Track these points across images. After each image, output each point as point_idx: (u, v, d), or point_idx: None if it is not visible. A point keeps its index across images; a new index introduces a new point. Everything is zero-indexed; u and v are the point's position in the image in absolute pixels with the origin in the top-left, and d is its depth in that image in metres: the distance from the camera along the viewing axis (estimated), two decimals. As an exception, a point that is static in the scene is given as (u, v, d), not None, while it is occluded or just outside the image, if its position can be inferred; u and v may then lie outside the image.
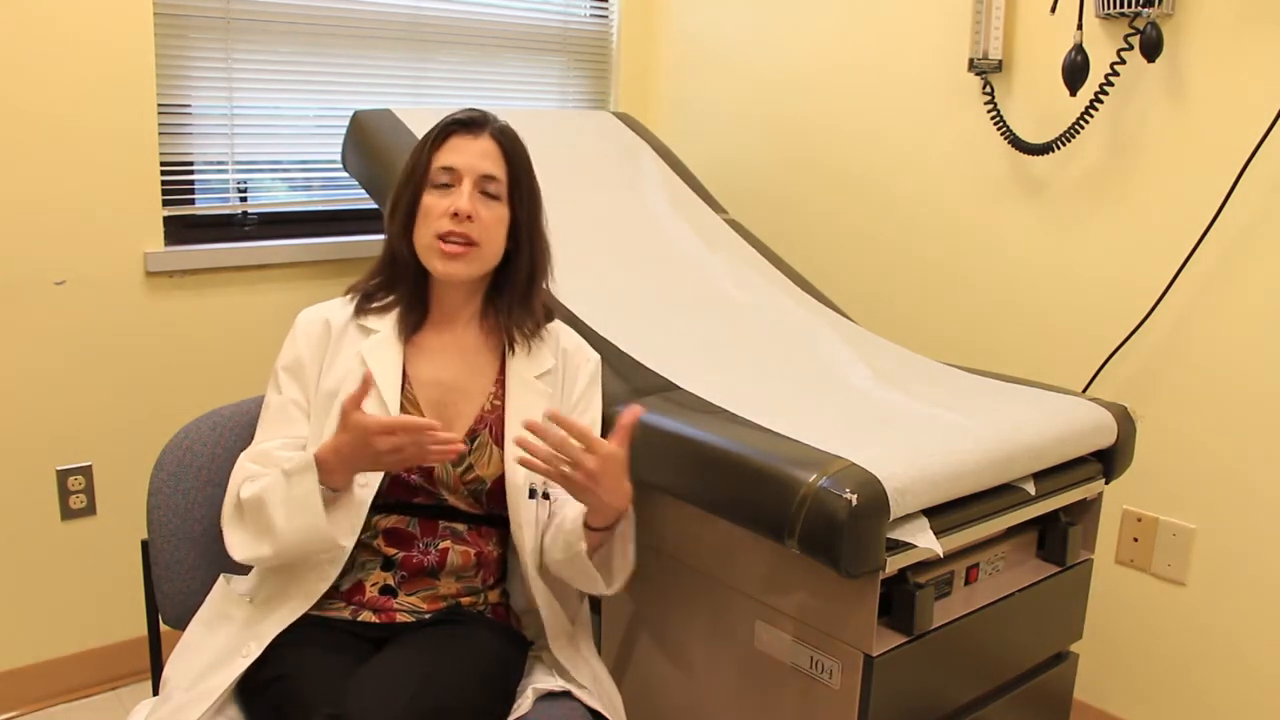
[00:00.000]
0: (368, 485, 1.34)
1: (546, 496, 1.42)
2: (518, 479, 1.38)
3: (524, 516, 1.38)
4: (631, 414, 1.26)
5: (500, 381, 1.44)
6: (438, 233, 1.36)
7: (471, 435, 1.39)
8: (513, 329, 1.44)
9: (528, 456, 1.23)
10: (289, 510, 1.25)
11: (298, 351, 1.41)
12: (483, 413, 1.41)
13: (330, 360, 1.41)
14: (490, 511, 1.41)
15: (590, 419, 1.50)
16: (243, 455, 1.38)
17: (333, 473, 1.25)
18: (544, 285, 1.48)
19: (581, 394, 1.49)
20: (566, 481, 1.25)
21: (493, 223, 1.39)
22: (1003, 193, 2.17)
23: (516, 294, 1.44)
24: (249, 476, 1.33)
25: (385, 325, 1.42)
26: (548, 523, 1.42)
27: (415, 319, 1.43)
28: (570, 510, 1.36)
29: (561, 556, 1.36)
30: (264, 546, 1.28)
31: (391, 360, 1.39)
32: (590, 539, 1.31)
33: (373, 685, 1.18)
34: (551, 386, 1.45)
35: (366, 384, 1.21)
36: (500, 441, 1.40)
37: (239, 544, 1.31)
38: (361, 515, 1.33)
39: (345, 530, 1.30)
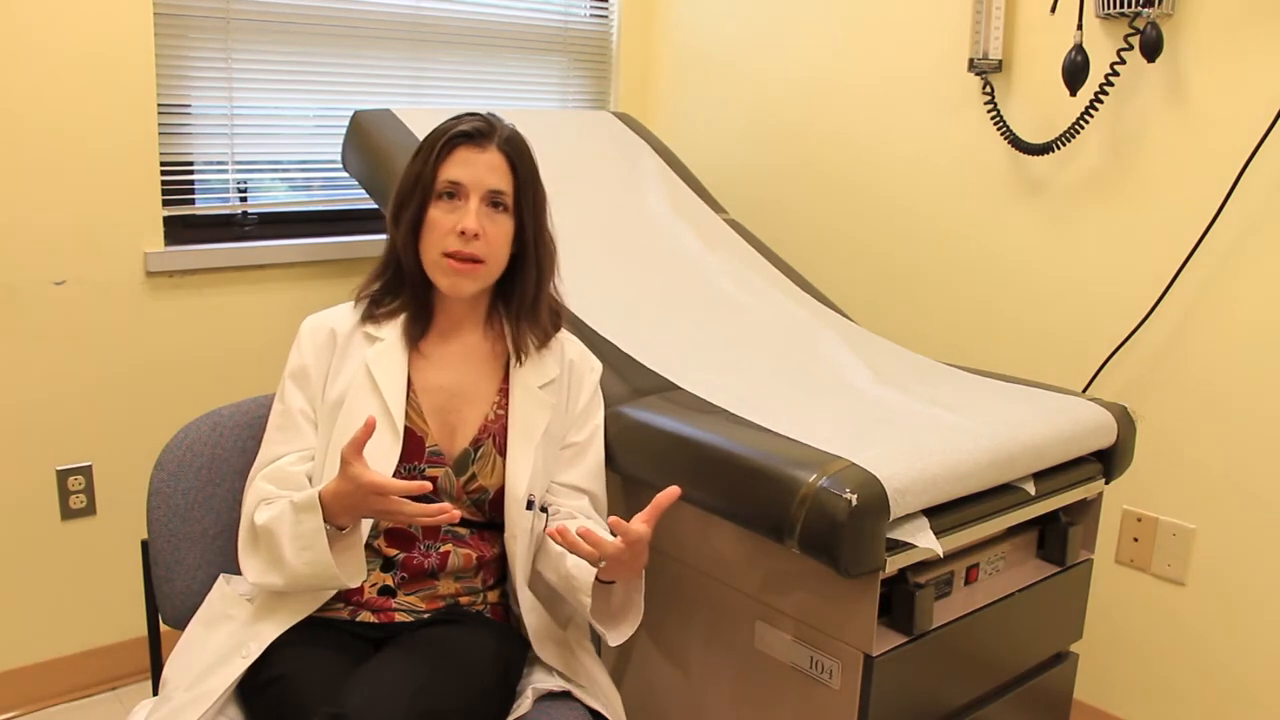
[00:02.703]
0: None
1: (544, 510, 1.42)
2: (519, 491, 1.38)
3: (519, 526, 1.38)
4: (670, 495, 1.24)
5: (504, 390, 1.43)
6: (444, 250, 1.35)
7: (475, 444, 1.39)
8: (518, 337, 1.43)
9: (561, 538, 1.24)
10: (296, 545, 1.25)
11: (303, 360, 1.40)
12: (486, 422, 1.41)
13: (336, 369, 1.40)
14: (492, 519, 1.41)
15: (595, 426, 1.50)
16: (256, 471, 1.37)
17: (336, 515, 1.24)
18: (552, 289, 1.46)
19: (585, 405, 1.49)
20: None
21: (499, 238, 1.37)
22: (1003, 193, 2.16)
23: (524, 301, 1.43)
24: (264, 498, 1.32)
25: (390, 332, 1.41)
26: (542, 537, 1.42)
27: (421, 328, 1.42)
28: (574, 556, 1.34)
29: (561, 590, 1.37)
30: (275, 576, 1.28)
31: (396, 368, 1.38)
32: (596, 589, 1.32)
33: (372, 685, 1.18)
34: (555, 396, 1.44)
35: (369, 429, 1.18)
36: (503, 452, 1.40)
37: (252, 569, 1.31)
38: (364, 529, 1.33)
39: (353, 571, 1.28)
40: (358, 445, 1.18)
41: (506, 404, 1.42)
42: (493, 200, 1.37)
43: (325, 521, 1.24)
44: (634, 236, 2.10)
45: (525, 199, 1.40)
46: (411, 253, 1.39)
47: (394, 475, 1.34)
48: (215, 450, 1.48)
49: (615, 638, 1.35)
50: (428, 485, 1.18)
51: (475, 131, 1.37)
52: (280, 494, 1.33)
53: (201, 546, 1.46)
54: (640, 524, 1.23)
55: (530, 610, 1.40)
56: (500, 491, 1.39)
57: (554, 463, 1.46)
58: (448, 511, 1.18)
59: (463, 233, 1.34)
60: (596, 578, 1.31)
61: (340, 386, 1.38)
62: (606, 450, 1.53)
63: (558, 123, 2.41)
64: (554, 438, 1.45)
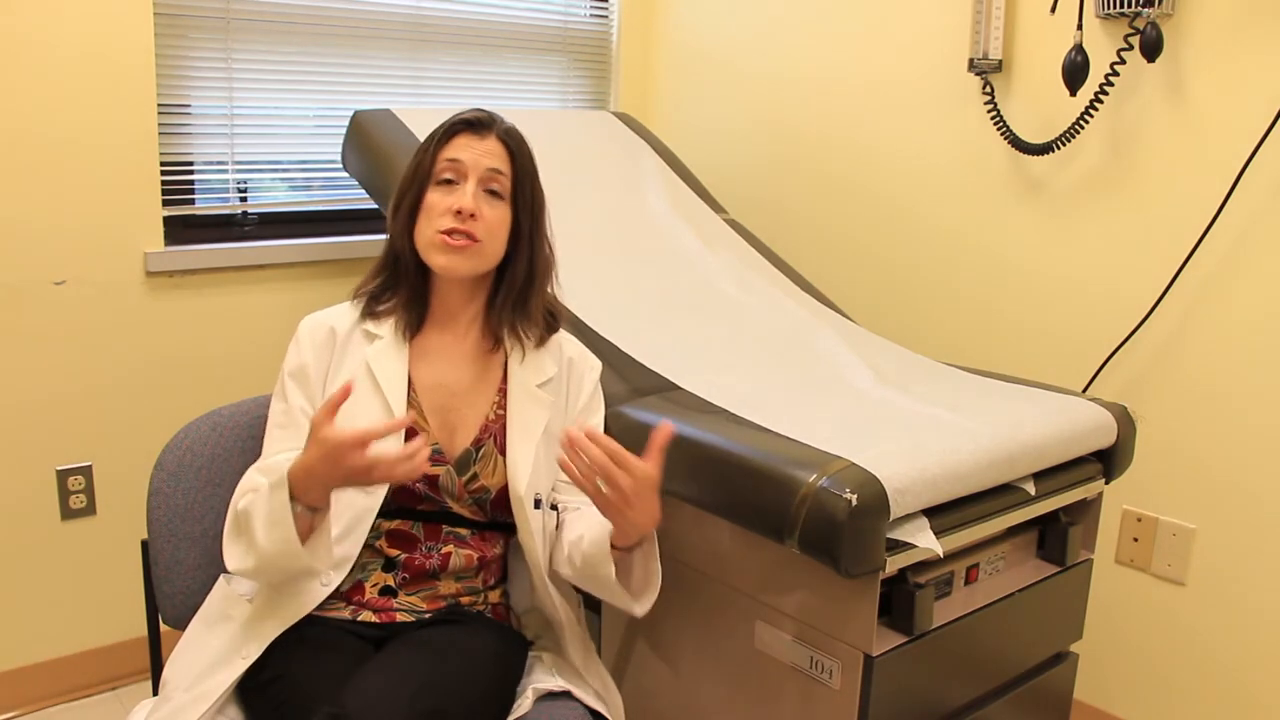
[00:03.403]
0: (374, 493, 1.34)
1: (554, 507, 1.42)
2: (520, 490, 1.38)
3: (531, 526, 1.38)
4: (664, 432, 1.23)
5: (503, 390, 1.43)
6: (440, 229, 1.36)
7: (476, 445, 1.39)
8: (505, 332, 1.43)
9: (568, 463, 1.22)
10: (267, 524, 1.21)
11: (302, 358, 1.40)
12: (486, 422, 1.41)
13: (335, 367, 1.40)
14: (494, 519, 1.41)
15: (594, 424, 1.50)
16: (252, 468, 1.38)
17: (307, 491, 1.20)
18: (548, 291, 1.47)
19: (586, 401, 1.49)
20: (600, 499, 1.24)
21: (495, 222, 1.38)
22: (1002, 193, 2.16)
23: (514, 299, 1.43)
24: (252, 488, 1.30)
25: (388, 330, 1.41)
26: (556, 534, 1.42)
27: (416, 318, 1.43)
28: (589, 531, 1.34)
29: (584, 574, 1.36)
30: (249, 559, 1.24)
31: (397, 365, 1.39)
32: (615, 558, 1.30)
33: (373, 685, 1.18)
34: (553, 394, 1.45)
35: (346, 391, 1.14)
36: (504, 450, 1.40)
37: (231, 556, 1.28)
38: (364, 529, 1.33)
39: (322, 553, 1.25)
40: (331, 408, 1.14)
41: (506, 403, 1.42)
42: (490, 186, 1.38)
43: (295, 500, 1.20)
44: (634, 236, 2.10)
45: (522, 192, 1.40)
46: (408, 239, 1.40)
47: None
48: (215, 450, 1.48)
49: (640, 608, 1.34)
50: (407, 420, 1.16)
51: (476, 121, 1.40)
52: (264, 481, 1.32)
53: (201, 546, 1.46)
54: (647, 465, 1.22)
55: (559, 608, 1.40)
56: (502, 491, 1.39)
57: (555, 461, 1.46)
58: (419, 451, 1.15)
59: (459, 212, 1.35)
60: (613, 545, 1.29)
61: (340, 384, 1.38)
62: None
63: (558, 123, 2.41)
64: (554, 436, 1.45)
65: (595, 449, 1.21)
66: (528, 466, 1.39)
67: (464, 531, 1.39)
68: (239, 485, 1.35)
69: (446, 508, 1.38)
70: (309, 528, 1.23)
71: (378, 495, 1.34)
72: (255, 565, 1.24)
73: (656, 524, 1.28)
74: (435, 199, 1.37)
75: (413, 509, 1.37)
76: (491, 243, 1.39)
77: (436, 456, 1.38)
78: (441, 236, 1.35)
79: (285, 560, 1.23)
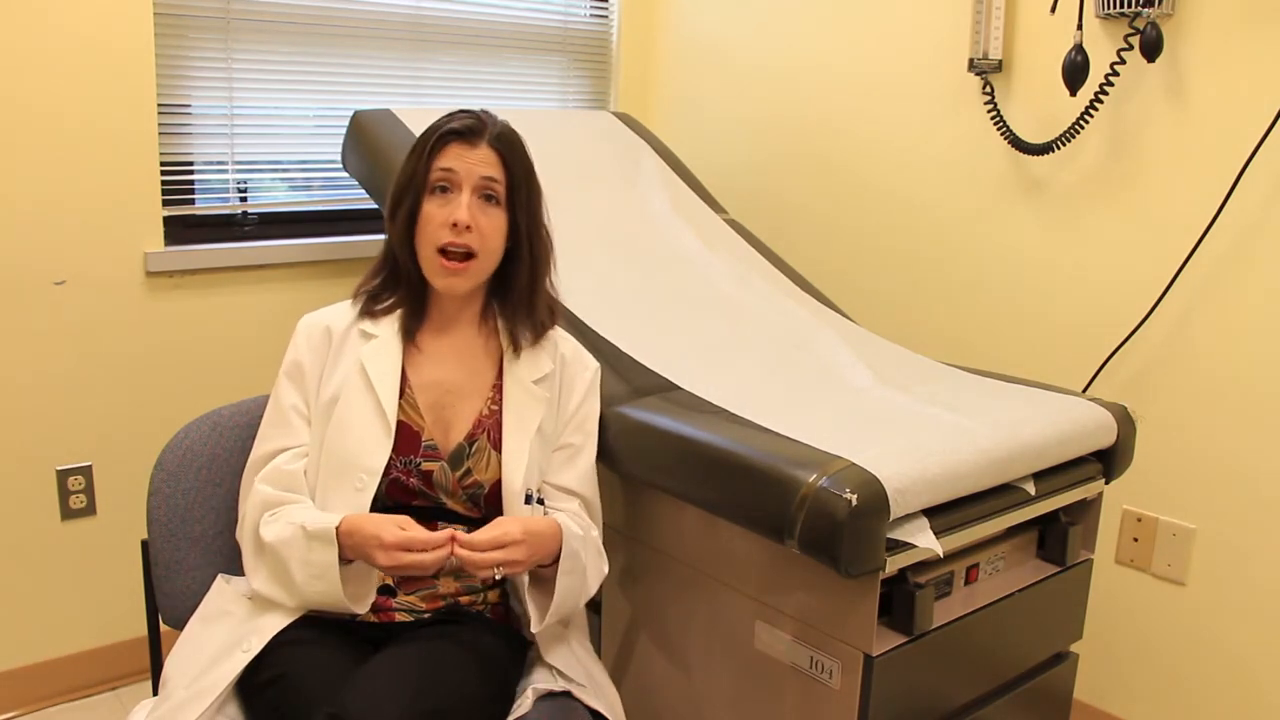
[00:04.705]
0: (364, 490, 1.34)
1: (541, 502, 1.43)
2: (515, 485, 1.38)
3: None
4: (458, 538, 1.27)
5: (498, 386, 1.44)
6: (437, 245, 1.37)
7: (470, 440, 1.40)
8: (511, 332, 1.44)
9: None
10: (307, 574, 1.28)
11: (298, 356, 1.42)
12: (480, 417, 1.41)
13: (331, 367, 1.41)
14: (488, 515, 1.41)
15: (588, 431, 1.50)
16: (252, 469, 1.39)
17: (348, 550, 1.28)
18: (548, 286, 1.48)
19: (579, 404, 1.49)
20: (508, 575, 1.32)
21: (491, 231, 1.39)
22: (1003, 193, 2.16)
23: (518, 296, 1.44)
24: (266, 506, 1.35)
25: (385, 329, 1.42)
26: None
27: (415, 322, 1.44)
28: None
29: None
30: (282, 594, 1.31)
31: (390, 364, 1.39)
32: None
33: (372, 685, 1.18)
34: (548, 391, 1.45)
35: (439, 542, 1.24)
36: (498, 446, 1.40)
37: (259, 581, 1.33)
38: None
39: (364, 600, 1.32)
40: (411, 539, 1.24)
41: (500, 399, 1.43)
42: (485, 192, 1.38)
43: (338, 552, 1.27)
44: (634, 236, 2.10)
45: (518, 194, 1.41)
46: (407, 249, 1.41)
47: (388, 468, 1.36)
48: (215, 450, 1.48)
49: (533, 624, 1.37)
50: (449, 533, 1.25)
51: (466, 129, 1.39)
52: (282, 497, 1.34)
53: (201, 546, 1.46)
54: (513, 530, 1.28)
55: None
56: (496, 486, 1.39)
57: (547, 458, 1.46)
58: (449, 540, 1.25)
59: (455, 225, 1.35)
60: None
61: (335, 384, 1.39)
62: (607, 451, 1.53)
63: (558, 123, 2.41)
64: (546, 433, 1.45)
65: (479, 554, 1.25)
66: (523, 462, 1.39)
67: (459, 528, 1.39)
68: (250, 497, 1.37)
69: (441, 504, 1.38)
70: (348, 573, 1.29)
71: (369, 493, 1.34)
72: (294, 604, 1.31)
73: (553, 551, 1.33)
74: (431, 210, 1.38)
75: (407, 505, 1.37)
76: (488, 252, 1.40)
77: (430, 452, 1.38)
78: (440, 261, 1.37)
79: (327, 606, 1.31)
